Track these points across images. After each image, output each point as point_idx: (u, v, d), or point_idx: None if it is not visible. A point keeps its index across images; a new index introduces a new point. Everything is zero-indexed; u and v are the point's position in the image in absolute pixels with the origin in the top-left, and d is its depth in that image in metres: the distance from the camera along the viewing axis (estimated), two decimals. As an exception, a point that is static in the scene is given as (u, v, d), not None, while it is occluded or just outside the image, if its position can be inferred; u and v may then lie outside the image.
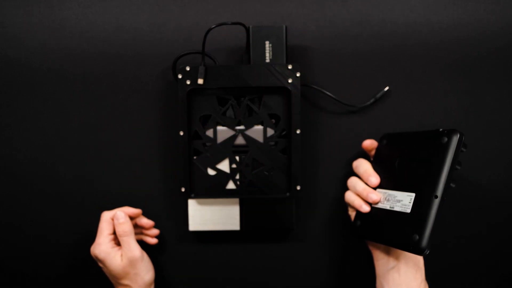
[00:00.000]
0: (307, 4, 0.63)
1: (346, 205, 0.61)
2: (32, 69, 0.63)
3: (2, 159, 0.64)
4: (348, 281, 0.66)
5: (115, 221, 0.59)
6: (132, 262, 0.57)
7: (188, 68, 0.57)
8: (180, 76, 0.58)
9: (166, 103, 0.64)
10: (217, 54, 0.62)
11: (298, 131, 0.58)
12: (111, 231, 0.59)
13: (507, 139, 0.63)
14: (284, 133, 0.60)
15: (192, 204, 0.62)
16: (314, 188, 0.65)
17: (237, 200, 0.62)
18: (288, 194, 0.60)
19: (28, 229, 0.65)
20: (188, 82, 0.58)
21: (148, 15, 0.63)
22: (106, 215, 0.59)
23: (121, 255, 0.58)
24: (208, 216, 0.62)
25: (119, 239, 0.58)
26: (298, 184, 0.59)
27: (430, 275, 0.56)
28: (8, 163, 0.64)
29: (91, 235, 0.61)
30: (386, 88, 0.63)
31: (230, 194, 0.60)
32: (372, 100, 0.63)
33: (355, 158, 0.61)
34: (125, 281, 0.58)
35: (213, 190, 0.60)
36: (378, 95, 0.63)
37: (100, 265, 0.59)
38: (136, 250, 0.58)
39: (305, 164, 0.64)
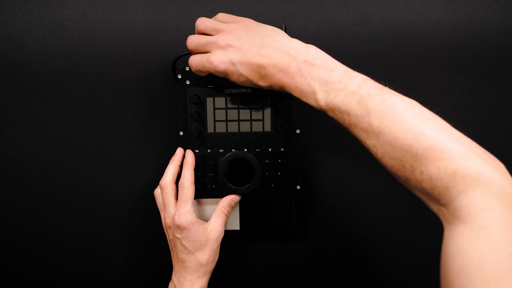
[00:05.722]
0: (307, 4, 0.63)
1: (345, 205, 0.61)
2: (32, 69, 0.63)
3: (2, 159, 0.64)
4: (347, 281, 0.66)
5: (230, 201, 0.59)
6: (217, 238, 0.58)
7: (187, 68, 0.57)
8: (179, 76, 0.58)
9: (166, 103, 0.64)
10: (217, 54, 0.62)
11: (298, 131, 0.58)
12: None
13: (507, 139, 0.63)
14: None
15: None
16: (314, 188, 0.65)
17: (237, 200, 0.62)
18: (288, 194, 0.60)
19: (28, 229, 0.65)
20: (188, 82, 0.58)
21: (148, 15, 0.63)
22: (167, 180, 0.57)
23: (205, 227, 0.58)
24: (208, 216, 0.62)
25: (217, 211, 0.59)
26: (298, 184, 0.59)
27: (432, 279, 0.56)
28: (8, 163, 0.64)
29: (91, 234, 0.61)
30: (386, 88, 0.63)
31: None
32: (372, 100, 0.62)
33: (355, 158, 0.61)
34: (200, 256, 0.57)
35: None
36: (378, 95, 0.62)
37: (177, 236, 0.56)
38: (223, 231, 0.59)
39: (305, 164, 0.64)
